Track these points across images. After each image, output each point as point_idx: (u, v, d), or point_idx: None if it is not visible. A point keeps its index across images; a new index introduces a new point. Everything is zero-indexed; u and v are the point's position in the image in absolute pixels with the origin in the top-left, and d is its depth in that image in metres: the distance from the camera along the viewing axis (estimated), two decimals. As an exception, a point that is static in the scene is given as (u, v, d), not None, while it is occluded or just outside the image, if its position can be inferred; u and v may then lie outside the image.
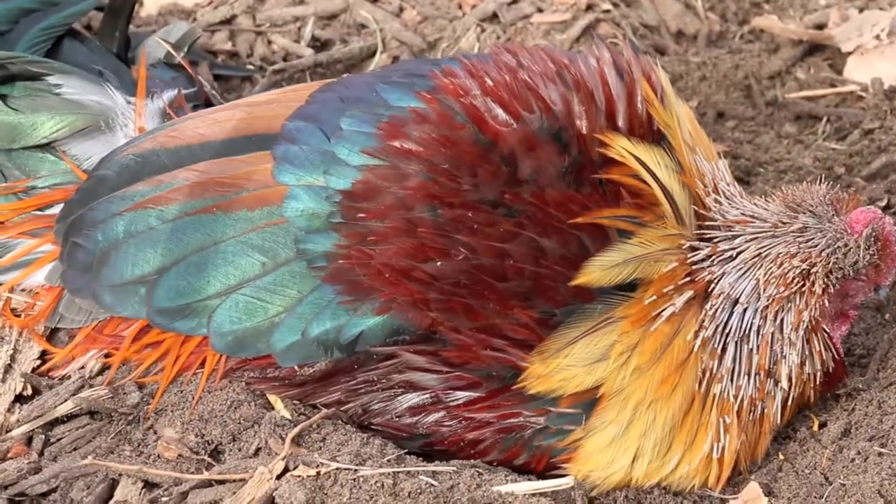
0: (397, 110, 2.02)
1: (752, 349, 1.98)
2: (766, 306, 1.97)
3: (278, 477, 1.93)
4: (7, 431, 2.10)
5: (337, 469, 1.93)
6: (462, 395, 1.98)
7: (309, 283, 1.97)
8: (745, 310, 1.97)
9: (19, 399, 2.13)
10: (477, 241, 1.94)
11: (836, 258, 1.98)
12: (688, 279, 1.96)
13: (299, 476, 1.92)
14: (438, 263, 1.94)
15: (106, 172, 2.10)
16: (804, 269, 1.97)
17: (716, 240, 1.98)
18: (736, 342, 1.98)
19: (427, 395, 1.99)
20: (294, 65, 2.78)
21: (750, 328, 1.98)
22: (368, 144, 1.99)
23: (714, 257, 1.98)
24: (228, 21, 2.89)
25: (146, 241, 2.03)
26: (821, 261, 1.97)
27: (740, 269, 1.97)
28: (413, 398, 1.99)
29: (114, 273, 2.04)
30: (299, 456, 1.96)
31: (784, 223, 1.99)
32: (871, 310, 2.21)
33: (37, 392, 2.14)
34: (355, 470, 1.92)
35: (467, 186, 1.95)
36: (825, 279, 1.98)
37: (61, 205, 2.14)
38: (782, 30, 2.87)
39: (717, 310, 1.97)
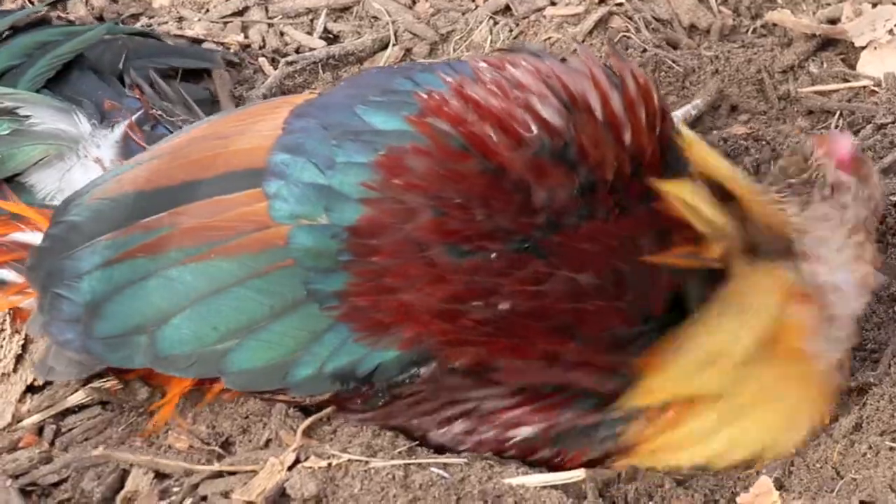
0: (390, 138, 1.94)
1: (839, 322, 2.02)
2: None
3: (289, 468, 1.93)
4: (18, 421, 2.10)
5: (348, 461, 1.93)
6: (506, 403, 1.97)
7: (322, 323, 1.93)
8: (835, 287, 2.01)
9: (30, 389, 2.13)
10: (510, 283, 1.90)
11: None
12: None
13: (310, 467, 1.92)
14: (474, 304, 1.91)
15: (76, 218, 2.01)
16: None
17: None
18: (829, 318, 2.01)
19: (469, 406, 1.98)
20: (306, 57, 2.78)
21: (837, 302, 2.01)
22: (368, 177, 1.92)
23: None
24: (240, 13, 2.89)
25: (141, 292, 1.96)
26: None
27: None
28: (452, 412, 1.98)
29: (108, 325, 1.97)
30: (310, 447, 1.96)
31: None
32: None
33: (48, 382, 2.14)
34: (366, 461, 1.92)
35: (481, 218, 1.90)
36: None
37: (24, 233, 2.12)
38: (795, 24, 2.87)
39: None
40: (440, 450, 1.99)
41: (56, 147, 2.19)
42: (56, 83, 2.35)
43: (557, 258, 1.91)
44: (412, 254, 1.91)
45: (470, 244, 1.90)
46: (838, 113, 2.73)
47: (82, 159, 2.18)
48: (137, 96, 2.35)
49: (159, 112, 2.31)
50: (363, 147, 1.94)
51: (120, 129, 2.23)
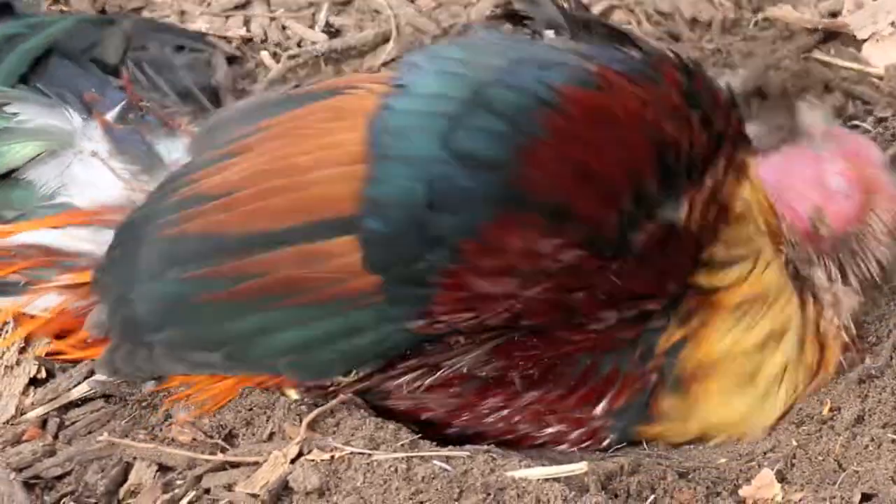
0: (491, 199, 1.88)
1: None
2: None
3: (292, 461, 1.93)
4: (21, 414, 2.10)
5: (351, 453, 1.93)
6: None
7: (397, 330, 1.94)
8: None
9: (33, 382, 2.13)
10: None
11: None
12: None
13: (313, 460, 1.93)
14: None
15: (143, 249, 2.01)
16: None
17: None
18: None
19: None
20: (308, 51, 2.78)
21: None
22: (470, 230, 1.88)
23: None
24: (242, 6, 2.89)
25: (223, 328, 1.97)
26: None
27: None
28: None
29: (185, 346, 2.00)
30: (313, 440, 1.96)
31: None
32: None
33: (51, 375, 2.14)
34: (369, 454, 1.93)
35: (571, 281, 1.91)
36: None
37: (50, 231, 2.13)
38: (797, 19, 2.87)
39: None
40: (500, 380, 2.02)
41: (49, 143, 2.17)
42: (33, 76, 2.32)
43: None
44: (503, 300, 1.91)
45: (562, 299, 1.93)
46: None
47: (79, 154, 2.17)
48: (123, 84, 2.33)
49: (148, 103, 2.29)
50: (462, 195, 1.88)
51: (96, 121, 2.21)
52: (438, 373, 2.00)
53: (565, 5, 2.09)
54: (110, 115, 2.21)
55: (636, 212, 1.92)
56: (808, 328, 2.07)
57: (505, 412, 2.04)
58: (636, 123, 1.92)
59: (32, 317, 2.14)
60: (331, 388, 2.03)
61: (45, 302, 2.11)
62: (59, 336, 2.14)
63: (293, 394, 2.04)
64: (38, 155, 2.17)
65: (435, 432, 2.04)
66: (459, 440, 2.03)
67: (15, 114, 2.19)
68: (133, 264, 2.00)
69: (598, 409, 2.05)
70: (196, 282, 1.96)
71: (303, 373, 2.01)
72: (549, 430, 2.06)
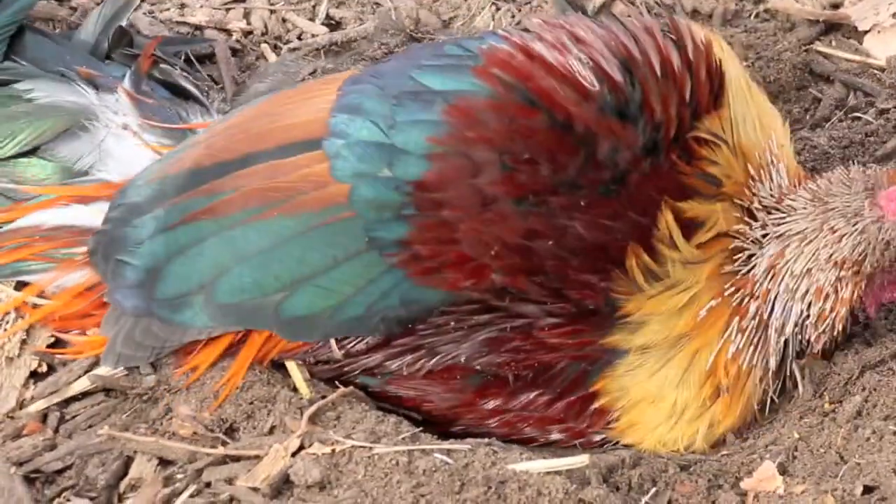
0: (455, 95, 1.96)
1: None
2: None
3: (293, 454, 1.94)
4: (22, 407, 2.10)
5: (352, 447, 1.93)
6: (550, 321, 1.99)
7: (380, 269, 1.95)
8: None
9: (34, 375, 2.13)
10: (578, 224, 1.94)
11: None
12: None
13: (314, 454, 1.93)
14: (537, 249, 1.94)
15: (137, 199, 2.05)
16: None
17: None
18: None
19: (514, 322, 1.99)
20: (309, 43, 2.77)
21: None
22: (434, 132, 1.94)
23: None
24: (242, -1, 2.89)
25: (205, 251, 2.00)
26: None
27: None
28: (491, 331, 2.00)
29: (171, 286, 2.01)
30: (314, 433, 1.96)
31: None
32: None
33: (51, 369, 2.14)
34: (370, 448, 1.93)
35: (547, 173, 1.92)
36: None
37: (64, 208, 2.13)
38: (798, 10, 2.87)
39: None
40: (496, 380, 2.04)
41: (71, 118, 2.17)
42: (12, 54, 2.28)
43: (625, 203, 1.95)
44: (478, 207, 1.93)
45: (536, 198, 1.92)
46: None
47: (110, 128, 2.17)
48: (137, 54, 2.32)
49: (160, 74, 2.30)
50: (424, 105, 1.96)
51: (122, 95, 2.21)
52: (436, 358, 2.01)
53: None
54: (122, 91, 2.21)
55: (606, 108, 1.94)
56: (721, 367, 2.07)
57: (505, 416, 2.05)
58: (597, 37, 1.99)
59: (36, 306, 2.14)
60: (337, 366, 2.05)
61: (70, 280, 2.13)
62: (63, 328, 2.15)
63: (304, 387, 2.05)
64: (67, 129, 2.16)
65: (440, 430, 2.05)
66: (463, 437, 2.03)
67: (28, 90, 2.19)
68: (125, 221, 2.06)
69: (584, 418, 2.06)
70: (175, 207, 2.02)
71: (292, 326, 2.00)
72: (552, 437, 2.08)
